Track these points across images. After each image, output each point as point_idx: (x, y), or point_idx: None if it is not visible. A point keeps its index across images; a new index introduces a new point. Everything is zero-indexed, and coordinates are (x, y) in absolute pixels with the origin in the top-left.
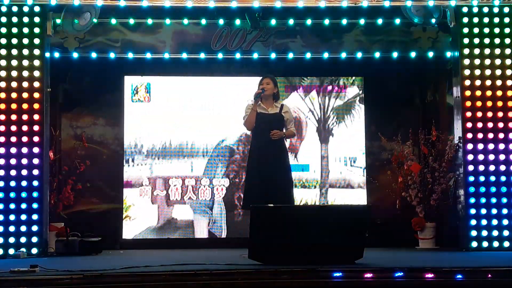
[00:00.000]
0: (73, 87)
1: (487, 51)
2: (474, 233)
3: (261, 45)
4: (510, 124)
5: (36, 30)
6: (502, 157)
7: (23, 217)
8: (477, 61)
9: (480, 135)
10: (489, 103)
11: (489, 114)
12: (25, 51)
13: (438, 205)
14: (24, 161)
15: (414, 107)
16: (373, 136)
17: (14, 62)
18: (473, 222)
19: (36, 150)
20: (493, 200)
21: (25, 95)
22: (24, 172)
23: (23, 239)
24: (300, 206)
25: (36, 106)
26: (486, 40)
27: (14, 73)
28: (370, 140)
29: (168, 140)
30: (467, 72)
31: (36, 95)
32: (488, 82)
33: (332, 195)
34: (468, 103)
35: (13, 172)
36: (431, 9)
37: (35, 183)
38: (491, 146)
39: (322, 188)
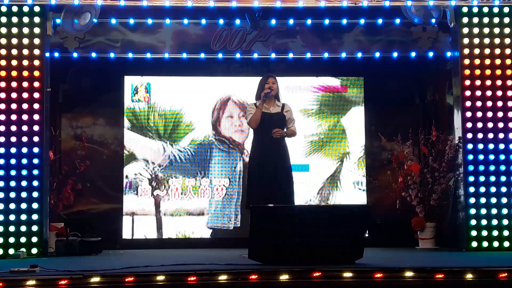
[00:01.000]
0: (73, 87)
1: (487, 51)
2: (474, 233)
3: (261, 45)
4: (510, 124)
5: (36, 30)
6: (502, 157)
7: (23, 217)
8: (477, 61)
9: (480, 135)
10: (489, 103)
11: (489, 114)
12: (25, 51)
13: (438, 205)
14: (24, 161)
15: (414, 107)
16: (373, 136)
17: (14, 62)
18: (473, 222)
19: (36, 150)
20: (493, 200)
21: (25, 95)
22: (24, 172)
23: (23, 239)
24: (300, 206)
25: (36, 106)
26: (486, 40)
27: (14, 73)
28: (370, 140)
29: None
30: (467, 72)
31: (36, 95)
32: (488, 82)
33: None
34: (468, 103)
35: (13, 172)
36: (431, 9)
37: (35, 183)
38: (491, 146)
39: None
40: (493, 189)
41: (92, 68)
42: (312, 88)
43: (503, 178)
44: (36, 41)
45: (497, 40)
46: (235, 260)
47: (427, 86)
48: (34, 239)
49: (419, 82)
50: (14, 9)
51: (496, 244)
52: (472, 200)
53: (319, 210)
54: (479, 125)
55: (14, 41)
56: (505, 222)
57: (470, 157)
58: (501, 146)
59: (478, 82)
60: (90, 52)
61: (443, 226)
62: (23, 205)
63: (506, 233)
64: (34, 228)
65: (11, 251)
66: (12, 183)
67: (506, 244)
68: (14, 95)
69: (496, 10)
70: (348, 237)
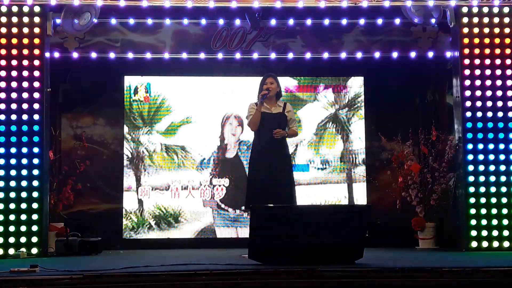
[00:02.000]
0: (73, 87)
1: (487, 51)
2: (474, 233)
3: (261, 45)
4: (510, 124)
5: (36, 30)
6: (502, 157)
7: (23, 217)
8: (477, 61)
9: (480, 135)
10: (489, 103)
11: (489, 114)
12: (25, 51)
13: (438, 205)
14: (24, 161)
15: (414, 107)
16: (373, 136)
17: (14, 62)
18: (473, 222)
19: (36, 150)
20: (493, 200)
21: (25, 95)
22: (24, 172)
23: (23, 239)
24: (300, 206)
25: (36, 106)
26: (486, 40)
27: (14, 73)
28: (370, 140)
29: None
30: (467, 72)
31: (36, 95)
32: (488, 82)
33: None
34: (468, 103)
35: (13, 172)
36: (431, 9)
37: (35, 183)
38: (491, 146)
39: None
40: (493, 189)
41: (92, 68)
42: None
43: (503, 178)
44: (36, 41)
45: (497, 40)
46: (235, 260)
47: (427, 86)
48: (34, 239)
49: (419, 82)
50: (14, 9)
51: (496, 244)
52: (472, 200)
53: (319, 210)
54: (479, 125)
55: (14, 41)
56: (505, 222)
57: (470, 157)
58: (501, 146)
59: (478, 82)
60: (90, 52)
61: (443, 226)
62: (23, 205)
63: (506, 233)
64: (34, 228)
65: (11, 251)
66: (12, 183)
67: (506, 244)
68: (14, 95)
69: (496, 10)
70: (348, 237)
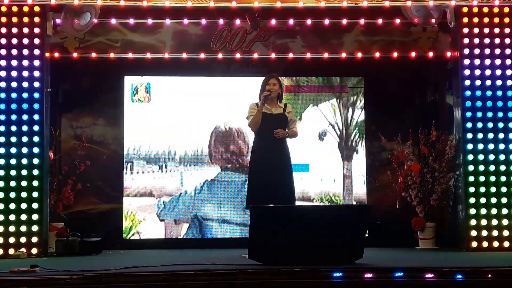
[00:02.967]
0: (73, 87)
1: (487, 51)
2: (474, 233)
3: (261, 45)
4: (510, 124)
5: (36, 30)
6: (502, 157)
7: (23, 217)
8: (477, 61)
9: (480, 135)
10: (489, 103)
11: (489, 114)
12: (25, 51)
13: (438, 205)
14: (24, 161)
15: (414, 107)
16: (373, 136)
17: (14, 62)
18: (473, 222)
19: (36, 150)
20: (493, 200)
21: (25, 95)
22: (24, 172)
23: (23, 239)
24: (300, 206)
25: (36, 106)
26: (486, 40)
27: (14, 73)
28: (370, 140)
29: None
30: (467, 72)
31: (36, 95)
32: (488, 82)
33: None
34: (468, 103)
35: (13, 172)
36: (431, 9)
37: (35, 183)
38: (491, 146)
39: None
40: (493, 189)
41: (92, 68)
42: None
43: (503, 178)
44: (36, 41)
45: (497, 40)
46: (235, 260)
47: (427, 86)
48: (34, 239)
49: (419, 82)
50: (14, 9)
51: (496, 244)
52: (472, 200)
53: (319, 210)
54: (479, 125)
55: (14, 41)
56: (505, 222)
57: (470, 157)
58: (501, 146)
59: (478, 82)
60: (90, 52)
61: (443, 226)
62: (23, 205)
63: (506, 233)
64: (34, 228)
65: (11, 251)
66: (12, 183)
67: (506, 244)
68: (14, 95)
69: (496, 10)
70: (348, 237)
